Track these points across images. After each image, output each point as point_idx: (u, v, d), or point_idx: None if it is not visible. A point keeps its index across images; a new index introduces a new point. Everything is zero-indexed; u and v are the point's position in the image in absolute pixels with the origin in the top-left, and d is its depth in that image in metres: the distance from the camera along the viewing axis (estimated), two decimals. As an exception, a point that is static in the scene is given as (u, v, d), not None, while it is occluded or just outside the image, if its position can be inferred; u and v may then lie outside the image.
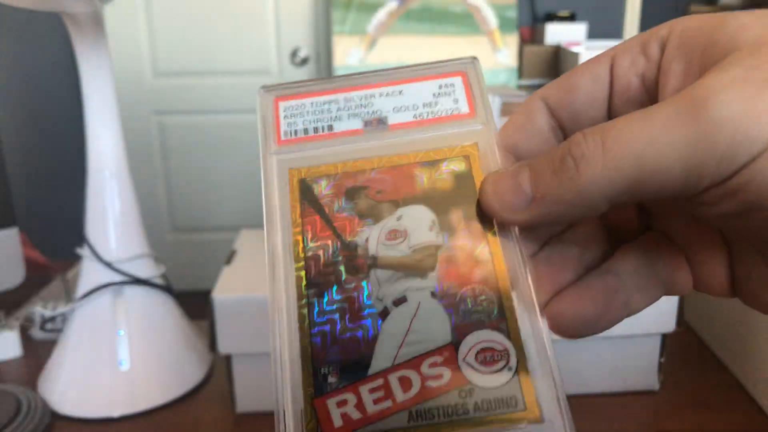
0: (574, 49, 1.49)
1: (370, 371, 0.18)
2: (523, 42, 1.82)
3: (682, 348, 0.61)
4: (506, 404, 0.18)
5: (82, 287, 0.54)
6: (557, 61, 1.67)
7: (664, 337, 0.53)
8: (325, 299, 0.19)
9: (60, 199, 1.87)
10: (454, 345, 0.18)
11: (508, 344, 0.19)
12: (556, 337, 0.20)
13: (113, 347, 0.53)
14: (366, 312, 0.19)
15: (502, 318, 0.19)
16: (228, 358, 0.51)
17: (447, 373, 0.18)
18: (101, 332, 0.53)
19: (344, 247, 0.20)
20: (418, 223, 0.20)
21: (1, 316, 0.64)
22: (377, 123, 0.22)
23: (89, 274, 0.54)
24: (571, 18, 1.81)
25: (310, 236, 0.20)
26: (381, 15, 1.69)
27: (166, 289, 0.56)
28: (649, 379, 0.54)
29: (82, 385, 0.52)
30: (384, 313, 0.19)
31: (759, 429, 0.50)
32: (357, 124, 0.22)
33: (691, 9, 2.30)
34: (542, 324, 0.19)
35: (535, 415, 0.18)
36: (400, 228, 0.20)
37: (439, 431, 0.18)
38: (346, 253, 0.20)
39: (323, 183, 0.21)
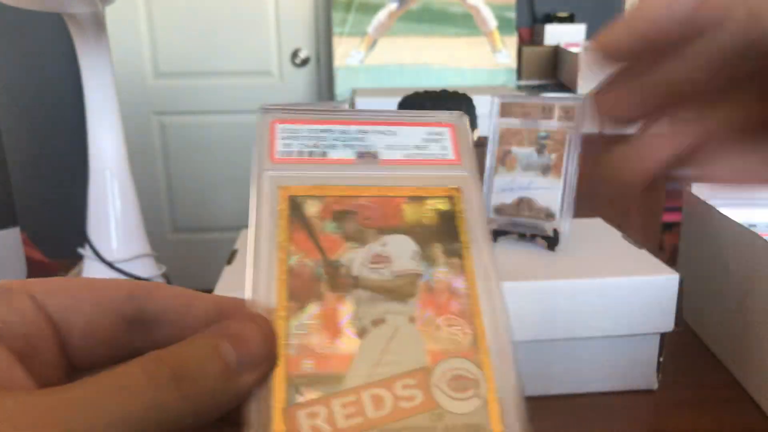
0: (573, 49, 1.50)
1: (344, 386, 0.19)
2: (522, 43, 1.82)
3: (681, 347, 0.61)
4: (474, 430, 0.18)
5: (84, 287, 0.54)
6: (556, 62, 1.67)
7: (663, 337, 0.53)
8: (306, 312, 0.20)
9: (61, 199, 1.87)
10: (428, 370, 0.19)
11: (479, 374, 0.19)
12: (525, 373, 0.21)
13: (114, 347, 0.53)
14: (344, 329, 0.20)
15: (475, 349, 0.20)
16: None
17: (419, 396, 0.19)
18: (102, 332, 0.53)
19: (328, 265, 0.21)
20: (401, 252, 0.21)
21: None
22: (369, 156, 0.23)
23: (90, 273, 0.54)
24: (570, 19, 1.82)
25: (295, 251, 0.21)
26: (381, 16, 1.69)
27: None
28: (648, 379, 0.54)
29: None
30: (362, 332, 0.20)
31: (758, 428, 0.50)
32: (350, 155, 0.23)
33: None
34: (513, 354, 0.20)
35: None
36: (384, 254, 0.21)
37: None
38: (330, 270, 0.20)
39: (313, 203, 0.22)
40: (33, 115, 1.81)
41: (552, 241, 0.57)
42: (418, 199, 0.22)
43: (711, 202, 0.62)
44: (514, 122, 0.59)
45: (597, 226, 0.64)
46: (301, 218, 0.21)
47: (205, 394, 0.17)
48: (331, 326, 0.19)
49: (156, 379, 0.16)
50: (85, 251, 0.54)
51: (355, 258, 0.21)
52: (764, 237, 0.52)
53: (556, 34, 1.73)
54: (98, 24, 0.51)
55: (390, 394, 0.19)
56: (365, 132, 0.24)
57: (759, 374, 0.53)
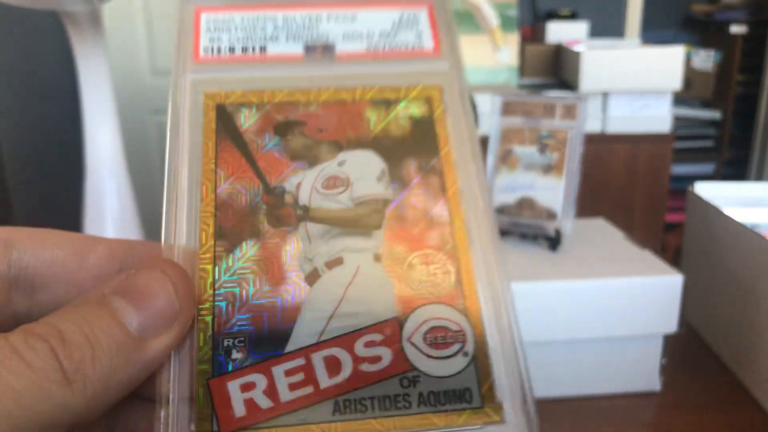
0: (576, 48, 1.49)
1: (289, 347, 0.14)
2: (524, 41, 1.81)
3: (684, 349, 0.61)
4: (458, 398, 0.14)
5: (81, 287, 0.54)
6: (558, 60, 1.66)
7: (666, 339, 0.53)
8: (237, 254, 0.15)
9: (58, 198, 1.87)
10: (399, 321, 0.15)
11: (465, 324, 0.15)
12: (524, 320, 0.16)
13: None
14: (290, 274, 0.15)
15: (459, 292, 0.15)
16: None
17: (387, 356, 0.14)
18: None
19: (268, 192, 0.16)
20: (364, 172, 0.17)
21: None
22: (322, 50, 0.18)
23: (87, 273, 0.53)
24: (573, 17, 1.81)
25: (224, 175, 0.16)
26: (382, 14, 1.68)
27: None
28: (651, 381, 0.54)
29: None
30: (312, 277, 0.15)
31: (761, 430, 0.49)
32: (297, 49, 0.18)
33: (692, 7, 2.30)
34: (508, 300, 0.16)
35: (493, 415, 0.14)
36: (341, 175, 0.17)
37: (372, 429, 0.14)
38: (270, 199, 0.16)
39: (248, 113, 0.17)
40: (29, 113, 1.81)
41: (554, 242, 0.56)
42: (386, 103, 0.18)
43: (714, 202, 0.62)
44: (515, 121, 0.58)
45: (599, 226, 0.64)
46: (233, 133, 0.17)
47: (104, 375, 0.13)
48: (271, 271, 0.15)
49: (36, 367, 0.12)
50: (82, 251, 0.54)
51: (304, 182, 0.16)
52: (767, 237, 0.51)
53: (558, 32, 1.72)
54: (95, 22, 0.50)
55: (349, 356, 0.14)
56: (318, 18, 0.18)
57: (762, 376, 0.52)
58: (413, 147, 0.17)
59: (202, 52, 0.18)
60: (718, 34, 2.21)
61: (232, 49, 0.18)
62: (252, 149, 0.16)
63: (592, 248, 0.57)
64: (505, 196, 0.58)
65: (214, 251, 0.15)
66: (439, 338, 0.15)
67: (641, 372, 0.54)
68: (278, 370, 0.14)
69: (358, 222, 0.16)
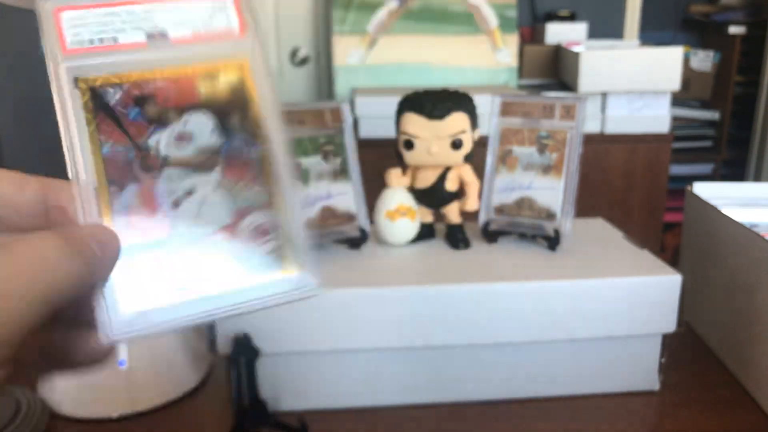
0: (575, 48, 1.49)
1: (166, 248, 0.23)
2: (524, 41, 1.82)
3: (683, 348, 0.61)
4: (274, 265, 0.23)
5: (82, 287, 0.54)
6: (557, 61, 1.67)
7: (665, 338, 0.53)
8: (125, 193, 0.22)
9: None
10: (234, 224, 0.23)
11: (277, 220, 0.24)
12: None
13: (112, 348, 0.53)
14: (161, 204, 0.23)
15: (270, 203, 0.24)
16: (227, 359, 0.51)
17: (227, 247, 0.23)
18: (101, 332, 0.53)
19: (138, 148, 0.23)
20: (201, 128, 0.23)
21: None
22: (159, 37, 0.24)
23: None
24: (572, 18, 1.81)
25: (105, 139, 0.22)
26: (381, 15, 1.68)
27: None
28: (650, 380, 0.54)
29: (81, 386, 0.52)
30: (176, 204, 0.23)
31: (759, 429, 0.50)
32: (140, 37, 0.24)
33: (691, 8, 2.30)
34: (296, 203, 0.24)
35: (292, 272, 0.24)
36: (186, 132, 0.23)
37: None
38: (140, 153, 0.23)
39: (113, 91, 0.23)
40: (30, 116, 1.81)
41: (553, 242, 0.56)
42: (211, 75, 0.24)
43: (713, 202, 0.62)
44: (515, 121, 0.58)
45: (598, 226, 0.64)
46: (105, 108, 0.23)
47: (95, 270, 0.21)
48: (149, 203, 0.23)
49: (77, 252, 0.20)
50: (84, 251, 0.54)
51: (161, 139, 0.23)
52: (766, 237, 0.51)
53: (557, 33, 1.72)
54: (96, 23, 0.50)
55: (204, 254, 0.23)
56: (152, 11, 0.24)
57: (760, 374, 0.52)
58: (233, 107, 0.24)
59: (68, 45, 0.23)
60: (717, 35, 2.21)
61: (91, 41, 0.23)
62: (121, 119, 0.23)
63: (591, 248, 0.57)
64: (504, 196, 0.59)
65: (109, 193, 0.22)
66: (260, 230, 0.23)
67: (640, 371, 0.54)
68: (157, 257, 0.23)
69: (202, 164, 0.23)
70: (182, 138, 0.23)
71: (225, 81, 0.24)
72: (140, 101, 0.23)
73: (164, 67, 0.23)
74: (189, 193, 0.23)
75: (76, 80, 0.23)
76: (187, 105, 0.23)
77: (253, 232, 0.23)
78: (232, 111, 0.24)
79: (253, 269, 0.23)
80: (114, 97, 0.23)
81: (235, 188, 0.23)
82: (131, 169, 0.22)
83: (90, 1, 0.23)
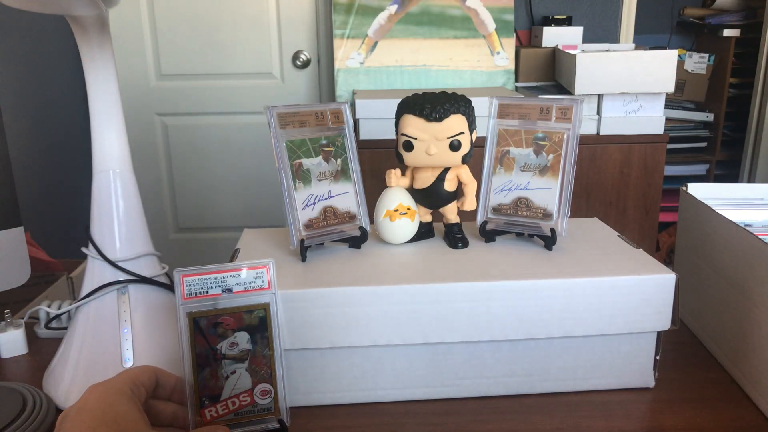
0: (571, 51, 1.50)
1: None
2: (521, 45, 1.83)
3: (678, 345, 0.62)
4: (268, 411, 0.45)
5: (87, 286, 0.54)
6: (554, 64, 1.68)
7: (660, 335, 0.54)
8: (203, 372, 0.44)
9: (65, 199, 1.87)
10: (252, 388, 0.45)
11: (272, 388, 0.45)
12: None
13: (118, 344, 0.53)
14: (219, 377, 0.44)
15: (271, 380, 0.45)
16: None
17: (248, 399, 0.45)
18: (106, 330, 0.54)
19: (212, 350, 0.45)
20: (242, 340, 0.46)
21: (7, 314, 0.65)
22: (227, 290, 0.45)
23: (94, 272, 0.54)
24: (568, 21, 1.82)
25: (196, 344, 0.45)
26: (381, 18, 1.69)
27: (170, 287, 0.57)
28: (645, 376, 0.55)
29: (86, 382, 0.53)
30: (226, 378, 0.44)
31: (753, 425, 0.50)
32: (218, 291, 0.45)
33: (686, 11, 2.31)
34: (283, 375, 0.46)
35: (277, 414, 0.45)
36: (234, 341, 0.45)
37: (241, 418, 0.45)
38: (212, 352, 0.45)
39: (202, 320, 0.45)
40: (37, 116, 1.81)
41: (549, 241, 0.57)
42: (250, 312, 0.45)
43: (707, 202, 0.63)
44: (512, 123, 0.59)
45: (594, 225, 0.65)
46: (199, 329, 0.44)
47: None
48: (214, 378, 0.44)
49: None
50: (89, 251, 0.55)
51: (223, 345, 0.44)
52: (759, 237, 0.52)
53: (554, 36, 1.74)
54: (102, 26, 0.51)
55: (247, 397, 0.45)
56: (226, 276, 0.45)
57: (754, 371, 0.53)
58: (259, 329, 0.46)
59: (185, 294, 0.45)
60: (711, 38, 2.23)
61: (195, 293, 0.45)
62: (207, 335, 0.45)
63: (587, 247, 0.58)
64: (502, 196, 0.60)
65: (195, 372, 0.46)
66: (265, 392, 0.45)
67: (636, 368, 0.55)
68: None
69: (242, 359, 0.45)
70: (233, 345, 0.44)
71: (256, 316, 0.45)
72: (215, 325, 0.44)
73: (227, 307, 0.45)
74: (233, 372, 0.44)
75: (187, 314, 0.44)
76: (237, 327, 0.45)
77: (262, 392, 0.45)
78: (258, 332, 0.45)
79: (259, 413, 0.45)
80: (203, 323, 0.44)
81: (255, 371, 0.45)
82: (207, 359, 0.44)
83: (197, 271, 0.44)
